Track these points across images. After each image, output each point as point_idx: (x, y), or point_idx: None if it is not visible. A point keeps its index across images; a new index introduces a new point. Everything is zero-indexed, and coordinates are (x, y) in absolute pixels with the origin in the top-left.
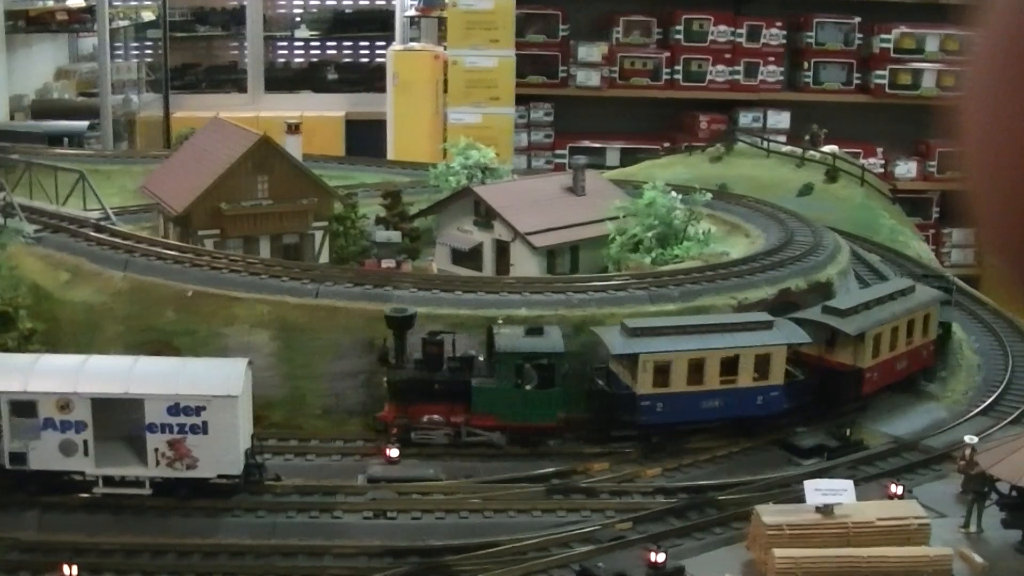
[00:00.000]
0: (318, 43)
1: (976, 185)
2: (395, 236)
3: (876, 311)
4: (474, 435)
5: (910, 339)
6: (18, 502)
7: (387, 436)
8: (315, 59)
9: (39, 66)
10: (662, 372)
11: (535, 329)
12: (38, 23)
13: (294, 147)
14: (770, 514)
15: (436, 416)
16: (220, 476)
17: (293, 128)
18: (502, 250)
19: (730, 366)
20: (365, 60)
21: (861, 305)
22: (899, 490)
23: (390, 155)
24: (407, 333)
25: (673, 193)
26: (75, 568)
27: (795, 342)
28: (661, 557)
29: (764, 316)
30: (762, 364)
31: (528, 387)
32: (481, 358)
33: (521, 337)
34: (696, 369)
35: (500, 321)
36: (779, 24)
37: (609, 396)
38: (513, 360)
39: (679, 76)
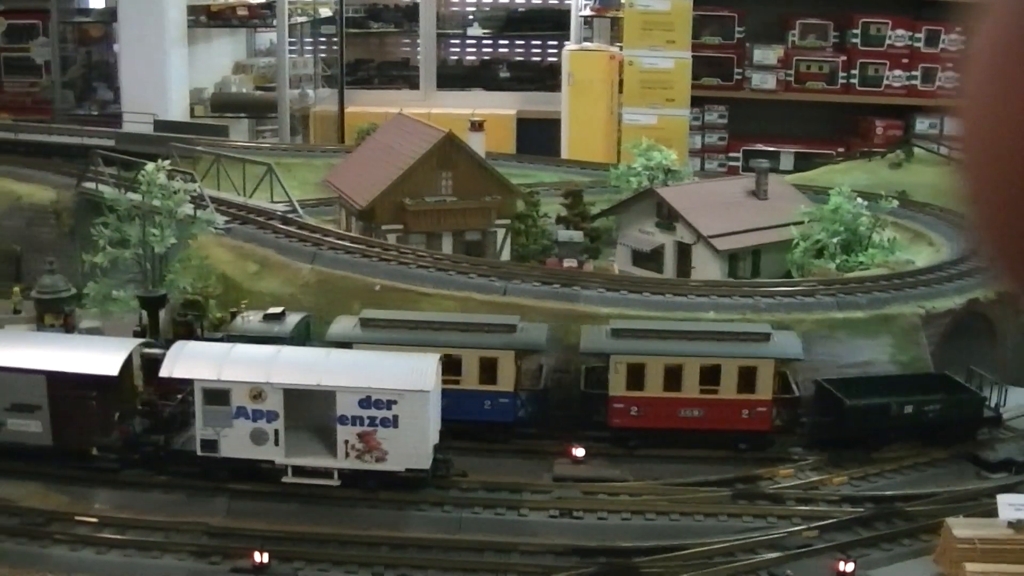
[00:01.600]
0: (490, 41)
1: (976, 189)
2: (577, 235)
3: (655, 342)
4: None
5: (711, 388)
6: (208, 488)
7: None
8: (487, 57)
9: (218, 60)
10: None
11: (274, 315)
12: (219, 18)
13: (477, 144)
14: (961, 527)
15: (179, 395)
16: (408, 470)
17: (477, 126)
18: (684, 252)
19: (454, 367)
20: (537, 59)
21: (647, 331)
22: None
23: (563, 154)
24: (160, 312)
25: (859, 199)
26: (266, 555)
27: (522, 348)
28: (850, 567)
29: (512, 319)
30: (488, 368)
31: None
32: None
33: (257, 322)
34: None
35: (244, 303)
36: (959, 29)
37: None
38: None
39: (855, 80)
